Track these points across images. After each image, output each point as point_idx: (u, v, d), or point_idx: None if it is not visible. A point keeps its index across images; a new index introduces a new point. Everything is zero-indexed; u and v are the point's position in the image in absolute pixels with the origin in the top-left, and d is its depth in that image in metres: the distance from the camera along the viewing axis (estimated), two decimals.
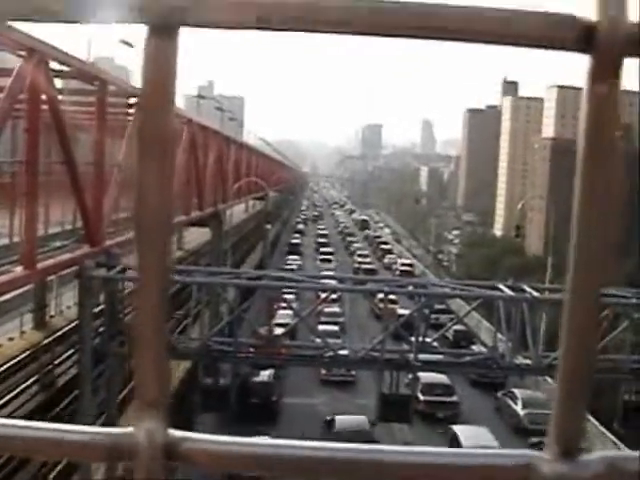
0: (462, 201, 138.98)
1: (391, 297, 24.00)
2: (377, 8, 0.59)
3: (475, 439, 26.36)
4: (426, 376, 29.82)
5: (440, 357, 22.40)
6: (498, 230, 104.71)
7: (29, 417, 19.26)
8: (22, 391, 20.04)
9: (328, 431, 27.75)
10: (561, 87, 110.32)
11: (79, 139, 20.81)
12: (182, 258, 37.41)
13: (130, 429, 0.65)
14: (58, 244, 19.15)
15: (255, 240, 56.35)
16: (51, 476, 17.52)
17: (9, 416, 18.49)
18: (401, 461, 0.66)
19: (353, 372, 33.26)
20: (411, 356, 20.80)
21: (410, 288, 22.87)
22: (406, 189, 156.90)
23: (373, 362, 21.12)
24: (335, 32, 0.60)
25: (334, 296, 32.89)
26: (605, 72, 0.58)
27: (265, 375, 30.76)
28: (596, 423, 27.13)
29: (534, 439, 28.36)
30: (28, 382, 20.46)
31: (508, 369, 22.00)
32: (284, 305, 26.83)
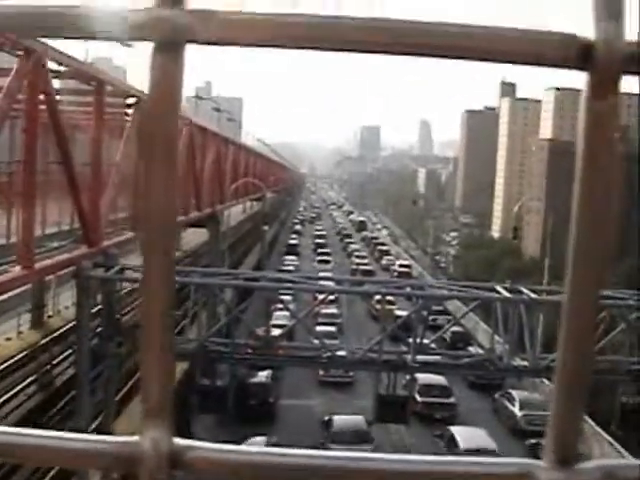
0: (460, 203, 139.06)
1: (389, 298, 24.02)
2: (386, 27, 0.60)
3: (472, 440, 26.39)
4: (423, 377, 29.83)
5: (438, 358, 22.42)
6: (496, 232, 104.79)
7: (26, 417, 19.26)
8: (19, 391, 20.03)
9: (326, 431, 27.78)
10: (559, 89, 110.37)
11: (77, 139, 20.82)
12: (180, 259, 37.40)
13: (136, 438, 0.65)
14: (56, 244, 19.15)
15: (253, 241, 56.34)
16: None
17: (6, 417, 18.50)
18: (398, 469, 0.67)
19: (351, 373, 33.26)
20: (409, 357, 20.81)
21: (408, 289, 22.87)
22: (404, 190, 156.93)
23: (371, 363, 21.12)
24: (343, 51, 0.61)
25: (332, 297, 32.91)
26: (603, 89, 0.58)
27: (263, 376, 30.76)
28: (594, 425, 27.14)
29: (531, 440, 28.42)
30: (25, 382, 20.45)
31: (505, 371, 22.02)
32: (281, 306, 26.80)
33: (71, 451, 0.67)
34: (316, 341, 22.55)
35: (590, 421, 26.79)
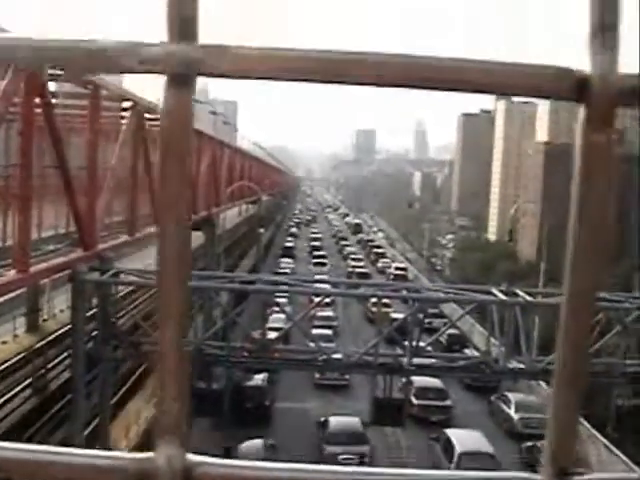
0: (456, 205, 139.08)
1: (384, 301, 24.02)
2: (390, 62, 0.62)
3: (469, 443, 26.39)
4: (419, 380, 29.84)
5: (434, 361, 22.42)
6: (492, 234, 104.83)
7: (22, 421, 19.23)
8: (15, 395, 20.00)
9: (322, 432, 27.81)
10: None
11: (73, 143, 20.80)
12: None
13: (150, 454, 0.66)
14: (52, 247, 19.14)
15: (248, 244, 56.32)
16: None
17: (1, 420, 18.46)
18: None
19: (347, 376, 33.26)
20: (405, 360, 20.82)
21: (404, 292, 22.89)
22: (400, 193, 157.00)
23: (367, 366, 21.13)
24: (351, 84, 0.63)
25: (327, 300, 32.92)
26: (599, 122, 0.60)
27: (258, 379, 30.74)
28: (589, 427, 27.17)
29: (528, 443, 28.43)
30: (21, 386, 20.42)
31: (501, 373, 22.03)
32: (277, 309, 26.82)
33: (86, 467, 0.67)
34: (312, 344, 22.56)
35: (586, 423, 26.81)
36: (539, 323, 21.90)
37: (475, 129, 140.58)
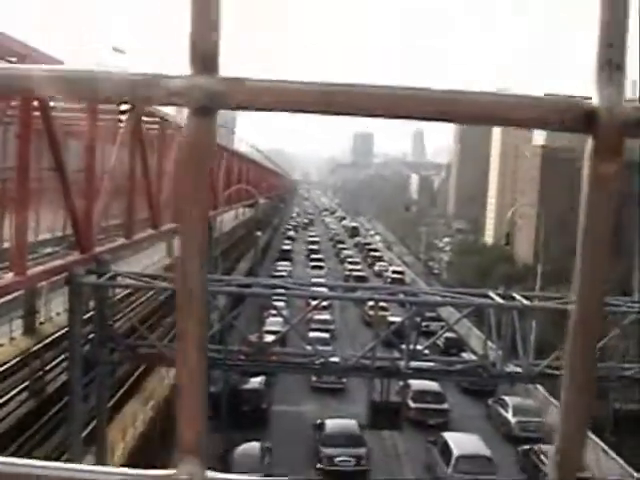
0: (453, 209, 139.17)
1: (382, 304, 24.01)
2: (403, 95, 0.64)
3: (466, 447, 26.39)
4: (417, 383, 29.86)
5: (431, 365, 22.41)
6: (489, 238, 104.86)
7: (18, 424, 19.20)
8: (11, 398, 19.98)
9: (318, 434, 27.82)
10: (552, 95, 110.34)
11: (70, 146, 20.80)
12: (172, 265, 37.33)
13: (172, 471, 0.67)
14: (49, 250, 19.12)
15: (246, 247, 56.31)
16: None
17: None
18: None
19: (343, 379, 33.28)
20: (402, 363, 20.81)
21: (401, 296, 22.88)
22: (397, 197, 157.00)
23: (364, 369, 21.12)
24: (371, 117, 0.65)
25: (325, 303, 32.91)
26: (607, 152, 0.62)
27: (255, 382, 30.73)
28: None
29: (524, 446, 28.45)
30: (18, 388, 20.40)
31: (499, 377, 22.03)
32: (274, 312, 26.81)
33: None
34: (309, 347, 22.55)
35: None
36: (536, 327, 21.90)
37: (472, 132, 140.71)
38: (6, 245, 15.31)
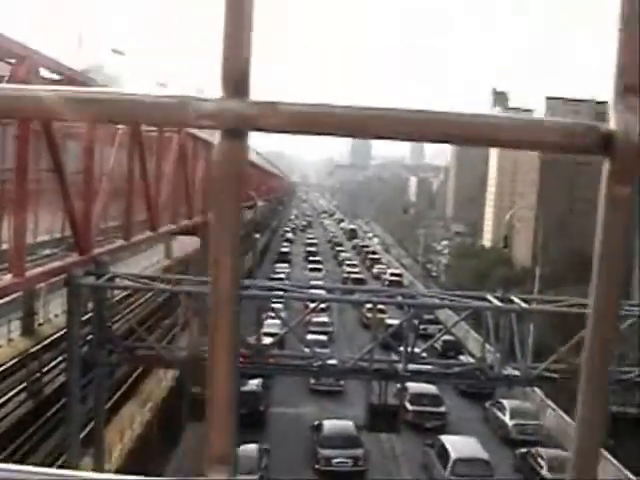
0: (451, 211, 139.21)
1: (380, 307, 24.00)
2: (431, 119, 0.65)
3: (464, 450, 26.39)
4: (414, 386, 29.85)
5: (429, 367, 22.42)
6: (487, 241, 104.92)
7: (17, 425, 19.20)
8: (9, 399, 19.97)
9: (316, 435, 27.84)
10: (550, 98, 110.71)
11: (69, 147, 20.79)
12: (171, 267, 37.35)
13: (202, 479, 0.68)
14: (47, 252, 19.11)
15: (244, 249, 56.32)
16: None
17: None
18: None
19: (341, 382, 33.29)
20: (400, 366, 20.82)
21: (399, 298, 22.88)
22: (395, 199, 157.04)
23: (362, 372, 21.12)
24: (396, 140, 0.67)
25: (323, 306, 32.92)
26: (623, 174, 0.64)
27: (253, 384, 30.72)
28: None
29: (522, 449, 28.45)
30: (15, 390, 20.39)
31: (496, 380, 22.02)
32: (273, 314, 26.81)
33: None
34: (307, 349, 22.56)
35: None
36: (534, 330, 21.89)
37: None
38: (5, 247, 15.29)
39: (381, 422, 21.33)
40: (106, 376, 20.94)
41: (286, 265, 70.04)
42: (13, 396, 20.16)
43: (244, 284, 25.18)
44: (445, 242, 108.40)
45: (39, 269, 16.25)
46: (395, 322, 27.54)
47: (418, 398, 31.38)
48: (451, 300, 22.11)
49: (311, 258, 79.99)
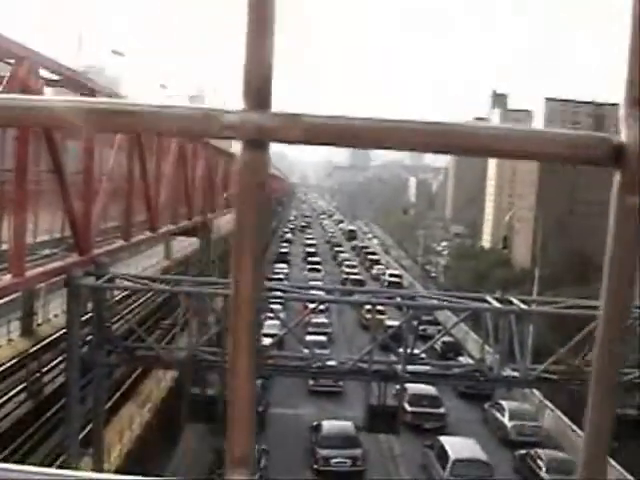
0: (450, 212, 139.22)
1: (379, 308, 23.99)
2: (442, 130, 0.66)
3: (463, 451, 26.40)
4: (413, 387, 29.84)
5: (428, 368, 22.43)
6: (486, 242, 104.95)
7: (16, 425, 19.20)
8: (9, 399, 19.98)
9: (315, 436, 27.86)
10: (550, 100, 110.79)
11: (69, 148, 20.82)
12: (170, 267, 37.36)
13: None
14: (47, 252, 19.12)
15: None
16: None
17: None
18: None
19: (341, 383, 33.30)
20: (399, 367, 20.82)
21: (398, 299, 22.89)
22: (394, 200, 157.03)
23: (361, 373, 21.12)
24: (417, 151, 0.69)
25: (322, 307, 32.92)
26: (633, 185, 0.65)
27: None
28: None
29: (521, 450, 28.46)
30: (15, 390, 20.39)
31: (496, 381, 22.03)
32: (272, 315, 26.81)
33: None
34: (306, 350, 22.57)
35: (581, 432, 26.82)
36: (533, 331, 21.88)
37: None
38: (4, 247, 15.30)
39: (380, 423, 21.32)
40: (105, 376, 20.93)
41: (285, 265, 70.04)
42: (12, 396, 20.17)
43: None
44: (444, 243, 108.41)
45: (39, 269, 16.27)
46: (394, 323, 27.55)
47: (417, 399, 31.38)
48: (450, 301, 22.12)
49: (310, 259, 79.96)
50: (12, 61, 14.26)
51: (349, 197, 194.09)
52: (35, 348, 21.85)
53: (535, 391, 32.72)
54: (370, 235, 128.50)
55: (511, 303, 21.01)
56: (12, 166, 14.98)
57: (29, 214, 16.77)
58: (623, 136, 0.65)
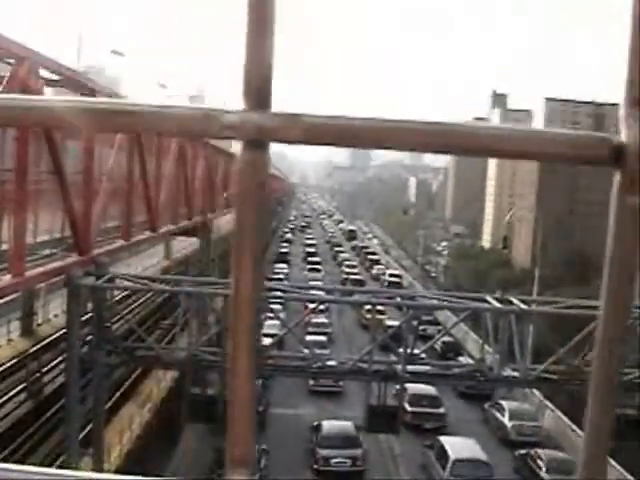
0: (450, 212, 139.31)
1: (379, 308, 23.99)
2: (443, 130, 0.67)
3: (463, 451, 26.41)
4: (413, 387, 29.85)
5: (428, 368, 22.44)
6: (486, 242, 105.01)
7: (16, 425, 19.20)
8: (9, 399, 19.98)
9: (315, 436, 27.87)
10: (550, 100, 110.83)
11: (69, 148, 20.84)
12: (170, 267, 37.38)
13: None
14: (47, 252, 19.13)
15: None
16: None
17: None
18: None
19: (341, 383, 33.31)
20: (399, 367, 20.82)
21: (398, 299, 22.90)
22: (394, 200, 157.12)
23: (361, 373, 21.13)
24: (417, 151, 0.69)
25: (322, 307, 32.93)
26: (634, 186, 0.66)
27: None
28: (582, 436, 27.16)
29: (521, 451, 28.46)
30: (15, 390, 20.40)
31: (496, 381, 22.05)
32: (272, 315, 26.83)
33: None
34: (306, 350, 22.58)
35: (580, 432, 26.84)
36: (533, 331, 21.89)
37: None
38: (4, 247, 15.31)
39: (380, 423, 21.33)
40: (105, 377, 20.94)
41: (285, 265, 70.07)
42: (12, 396, 20.17)
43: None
44: (444, 243, 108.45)
45: (39, 269, 16.27)
46: (394, 323, 27.56)
47: (417, 399, 31.39)
48: (450, 301, 22.13)
49: (310, 259, 79.99)
50: (12, 61, 14.26)
51: (349, 197, 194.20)
52: (35, 348, 21.85)
53: (535, 391, 32.73)
54: (370, 235, 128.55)
55: (511, 303, 21.03)
56: (12, 166, 14.99)
57: (29, 214, 16.79)
58: (623, 136, 0.65)
